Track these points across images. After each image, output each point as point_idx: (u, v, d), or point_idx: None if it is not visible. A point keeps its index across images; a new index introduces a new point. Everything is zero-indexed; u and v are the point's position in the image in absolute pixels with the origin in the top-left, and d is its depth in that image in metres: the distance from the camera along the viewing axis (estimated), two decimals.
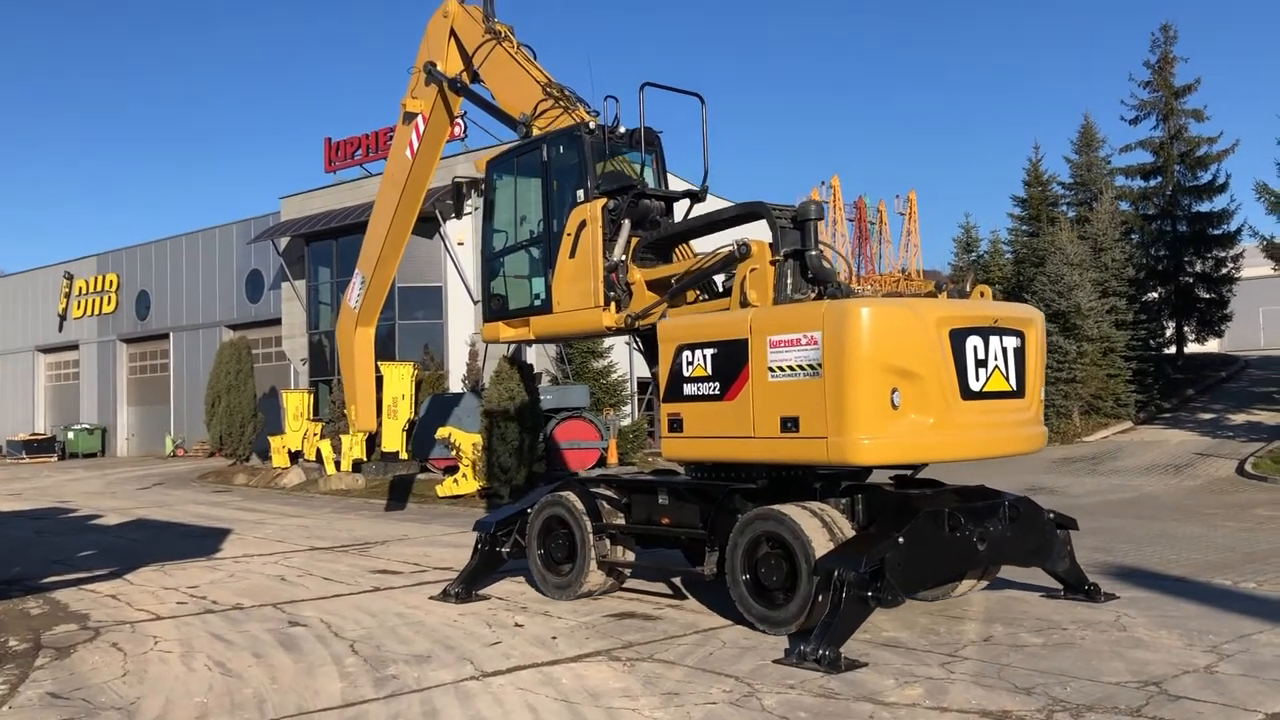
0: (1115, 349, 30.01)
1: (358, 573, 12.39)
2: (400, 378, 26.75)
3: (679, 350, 8.94)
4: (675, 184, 11.10)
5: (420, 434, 25.21)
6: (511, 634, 8.75)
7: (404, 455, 26.14)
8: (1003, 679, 6.93)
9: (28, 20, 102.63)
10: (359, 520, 19.08)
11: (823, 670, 7.14)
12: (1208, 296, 37.29)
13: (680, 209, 10.71)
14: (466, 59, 12.39)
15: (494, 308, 11.20)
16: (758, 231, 8.96)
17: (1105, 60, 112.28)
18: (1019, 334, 8.68)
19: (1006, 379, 8.49)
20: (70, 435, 45.61)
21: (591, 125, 10.34)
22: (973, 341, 8.25)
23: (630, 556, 10.10)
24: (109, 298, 46.57)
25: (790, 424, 8.03)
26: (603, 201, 9.96)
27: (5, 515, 21.46)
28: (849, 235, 56.43)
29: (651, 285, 9.82)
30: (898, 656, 7.61)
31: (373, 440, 25.89)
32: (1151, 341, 33.85)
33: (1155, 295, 36.22)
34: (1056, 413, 28.00)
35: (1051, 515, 9.32)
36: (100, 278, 47.13)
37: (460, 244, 31.87)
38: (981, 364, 8.29)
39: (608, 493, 10.15)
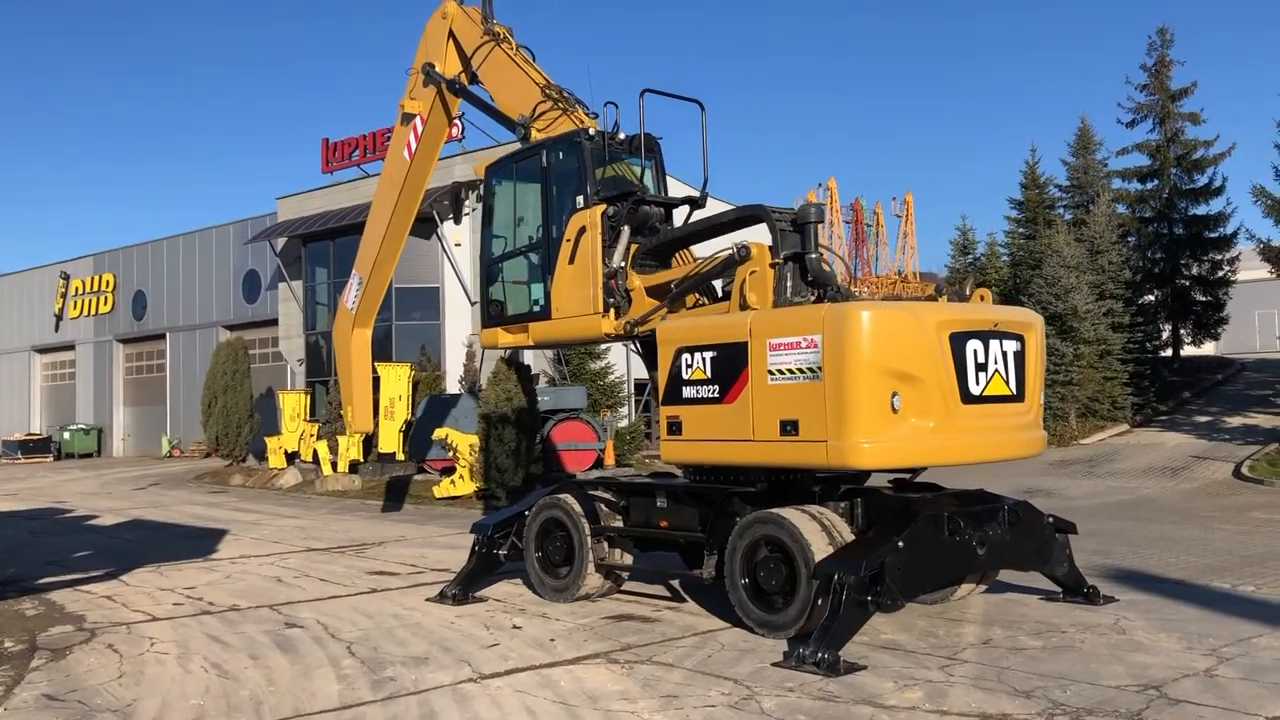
0: (1112, 351, 30.05)
1: (354, 574, 12.36)
2: (397, 379, 26.73)
3: (678, 353, 8.92)
4: (675, 188, 11.09)
5: (417, 435, 25.19)
6: (509, 636, 8.73)
7: (401, 456, 26.12)
8: (1002, 682, 6.92)
9: (25, 19, 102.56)
10: (355, 521, 19.05)
11: (822, 673, 7.13)
12: (1204, 299, 37.36)
13: (680, 215, 10.69)
14: (465, 60, 12.37)
15: (493, 313, 11.17)
16: (757, 235, 8.95)
17: (1102, 63, 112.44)
18: (1019, 338, 8.67)
19: (1006, 383, 8.49)
20: (66, 435, 45.52)
21: (591, 131, 10.32)
22: (973, 345, 8.24)
23: (628, 559, 10.08)
24: (105, 298, 46.50)
25: (790, 427, 8.02)
26: (602, 208, 9.94)
27: (1, 516, 21.40)
28: (845, 237, 56.43)
29: (651, 291, 9.80)
30: (897, 659, 7.60)
31: (369, 441, 25.86)
32: (1148, 344, 33.92)
33: (1152, 298, 36.29)
34: (1053, 415, 28.02)
35: (1051, 519, 9.31)
36: (97, 278, 47.06)
37: (457, 245, 31.86)
38: (981, 368, 8.28)
39: (606, 495, 10.13)
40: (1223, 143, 36.65)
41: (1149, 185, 37.61)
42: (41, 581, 12.15)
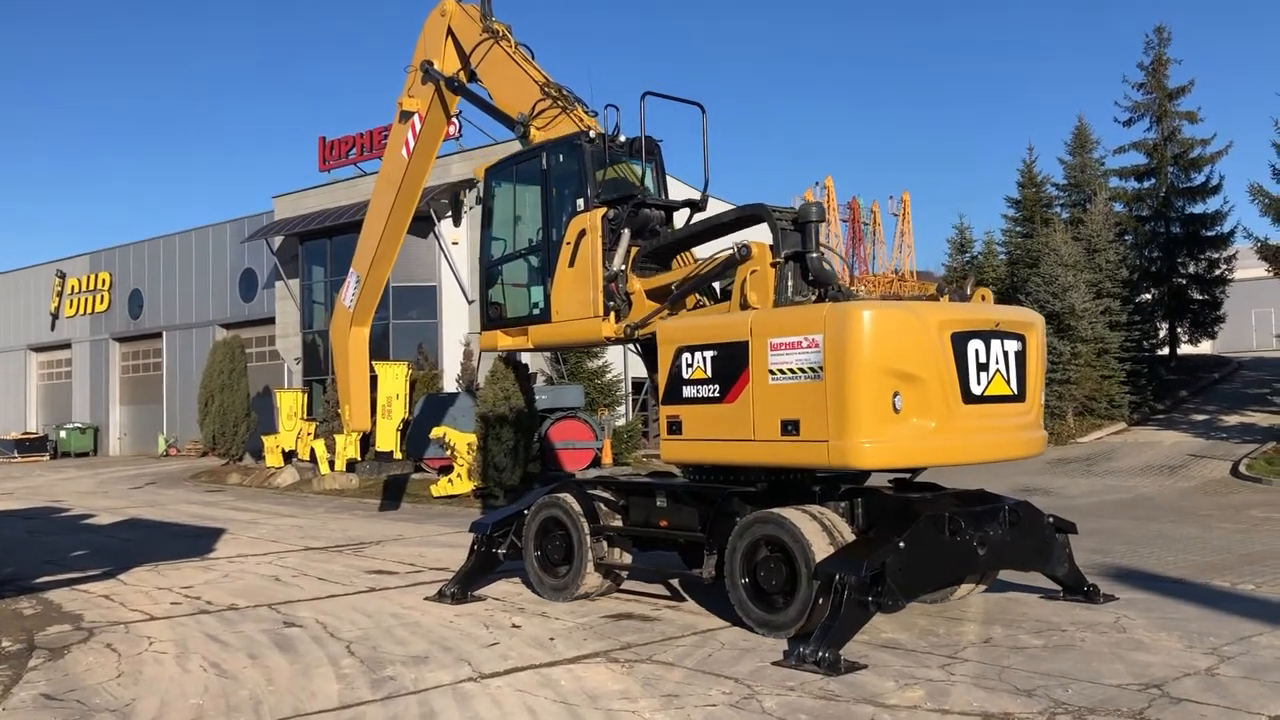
0: (1109, 350, 30.06)
1: (353, 573, 12.34)
2: (394, 377, 26.69)
3: (678, 352, 8.90)
4: (675, 188, 11.06)
5: (415, 434, 25.15)
6: (509, 635, 8.71)
7: (398, 455, 26.06)
8: (1004, 681, 6.91)
9: (24, 16, 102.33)
10: (353, 520, 19.02)
11: (822, 672, 7.12)
12: (1201, 298, 37.38)
13: (681, 217, 10.66)
14: (464, 58, 12.33)
15: (492, 316, 11.13)
16: (758, 235, 8.93)
17: (1099, 62, 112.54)
18: (1020, 338, 8.66)
19: (1008, 383, 8.48)
20: (62, 434, 45.42)
21: (592, 134, 10.28)
22: (974, 345, 8.23)
23: (627, 559, 10.06)
24: (101, 296, 46.41)
25: (791, 427, 8.00)
26: (602, 211, 9.90)
27: None
28: (843, 236, 56.45)
29: (651, 294, 9.77)
30: (897, 658, 7.59)
31: (367, 440, 25.83)
32: (1145, 343, 33.93)
33: (1149, 296, 36.30)
34: (1051, 414, 27.99)
35: (1051, 519, 9.30)
36: (93, 276, 46.95)
37: (455, 244, 31.81)
38: (983, 368, 8.27)
39: (605, 495, 10.11)
40: (1220, 141, 36.70)
41: (1146, 184, 37.61)
42: (39, 581, 12.12)
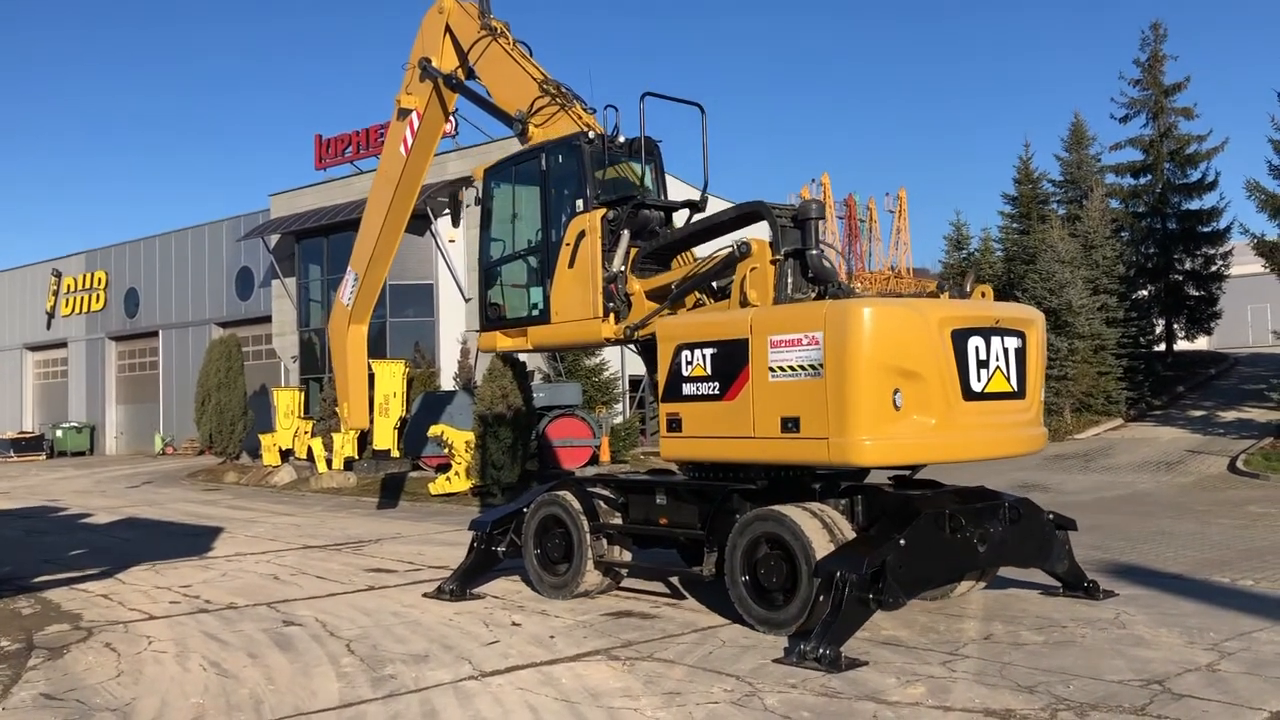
0: (1106, 346, 30.07)
1: (352, 571, 12.32)
2: (392, 375, 26.66)
3: (678, 350, 8.89)
4: (674, 187, 11.04)
5: (412, 432, 25.14)
6: (509, 633, 8.70)
7: (396, 453, 26.03)
8: (1005, 677, 6.91)
9: (22, 14, 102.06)
10: (351, 518, 19.01)
11: (823, 669, 7.12)
12: (1197, 294, 37.39)
13: (680, 218, 10.64)
14: (462, 55, 12.30)
15: (491, 317, 11.11)
16: (758, 233, 8.92)
17: (1095, 58, 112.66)
18: (1020, 334, 8.66)
19: (1008, 380, 8.47)
20: (59, 433, 45.36)
21: (591, 134, 10.26)
22: (974, 342, 8.22)
23: (627, 556, 10.05)
24: (97, 295, 46.34)
25: (791, 424, 8.00)
26: (602, 212, 9.89)
27: None
28: (839, 233, 56.53)
29: (651, 295, 9.75)
30: (898, 655, 7.59)
31: (364, 438, 25.81)
32: (1142, 339, 33.95)
33: (1145, 293, 36.31)
34: (1048, 410, 27.83)
35: (1051, 516, 9.30)
36: (89, 275, 46.88)
37: (451, 241, 31.78)
38: (983, 365, 8.26)
39: (605, 492, 10.09)
40: (1216, 137, 36.66)
41: (1142, 180, 37.62)
42: (37, 580, 12.09)
